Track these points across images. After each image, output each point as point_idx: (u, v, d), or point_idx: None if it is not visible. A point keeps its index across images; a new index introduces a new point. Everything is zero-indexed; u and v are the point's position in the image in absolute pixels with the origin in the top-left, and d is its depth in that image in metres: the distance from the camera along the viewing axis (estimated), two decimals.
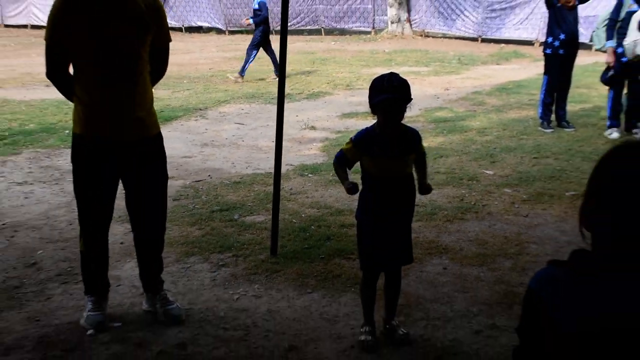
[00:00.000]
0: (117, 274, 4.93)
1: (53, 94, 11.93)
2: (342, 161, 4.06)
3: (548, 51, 9.39)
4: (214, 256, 5.35)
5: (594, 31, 9.59)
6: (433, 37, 21.90)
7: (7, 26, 26.39)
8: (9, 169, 7.82)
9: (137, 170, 4.29)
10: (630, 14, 8.27)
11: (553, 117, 9.49)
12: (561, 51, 9.19)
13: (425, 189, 4.06)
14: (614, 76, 8.87)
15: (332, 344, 4.06)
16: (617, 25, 8.71)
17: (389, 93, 3.80)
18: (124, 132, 4.14)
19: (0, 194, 6.96)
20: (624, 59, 8.51)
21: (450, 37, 21.50)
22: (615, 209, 1.74)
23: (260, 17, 14.32)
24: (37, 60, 17.31)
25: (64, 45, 4.08)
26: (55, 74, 4.20)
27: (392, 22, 22.45)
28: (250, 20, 14.70)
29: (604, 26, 9.11)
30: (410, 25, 22.47)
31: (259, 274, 5.02)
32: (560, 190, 6.66)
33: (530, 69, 15.19)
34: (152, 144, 4.32)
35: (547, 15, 9.65)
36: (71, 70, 4.19)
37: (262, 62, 15.42)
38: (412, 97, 3.89)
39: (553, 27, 9.30)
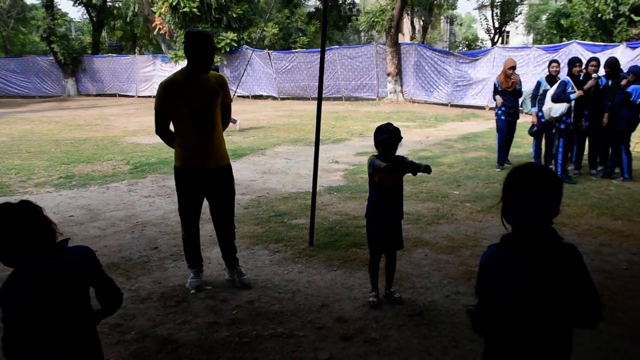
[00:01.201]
0: (208, 255, 4.96)
1: None
2: (372, 162, 3.86)
3: (496, 117, 9.25)
4: (271, 245, 5.33)
5: (523, 101, 9.54)
6: (418, 102, 21.58)
7: (139, 97, 26.77)
8: (139, 187, 7.87)
9: (215, 189, 4.31)
10: (546, 91, 8.28)
11: None
12: (503, 117, 8.96)
13: (425, 168, 3.74)
14: (536, 131, 8.83)
15: (350, 303, 4.07)
16: (537, 98, 8.67)
17: (388, 134, 3.85)
18: (207, 163, 4.20)
19: (135, 202, 7.03)
20: (542, 120, 8.51)
21: (430, 103, 21.20)
22: (504, 205, 1.89)
23: None
24: None
25: (167, 114, 4.17)
26: (162, 131, 4.26)
27: (390, 92, 22.26)
28: None
29: (529, 97, 9.12)
30: (403, 94, 22.20)
31: (301, 258, 5.00)
32: None
33: (483, 125, 14.99)
34: (225, 171, 4.36)
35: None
36: (171, 127, 4.26)
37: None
38: (402, 136, 3.96)
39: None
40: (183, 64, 24.16)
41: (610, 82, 8.33)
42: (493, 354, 1.95)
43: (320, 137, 5.56)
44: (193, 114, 4.09)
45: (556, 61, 8.97)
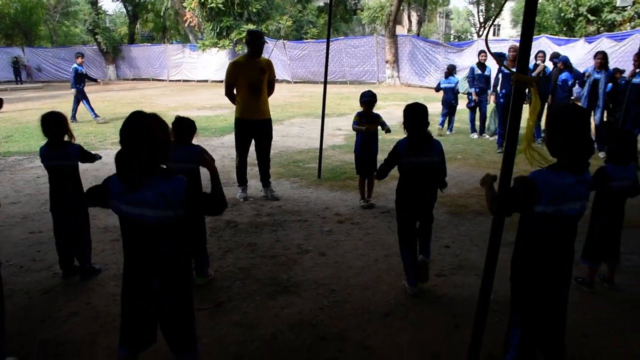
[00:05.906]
0: (250, 184, 6.37)
1: (203, 113, 13.67)
2: (355, 121, 5.55)
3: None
4: (291, 179, 6.90)
5: (460, 83, 10.94)
6: (412, 86, 22.70)
7: (170, 81, 28.26)
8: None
9: (260, 133, 5.82)
10: (479, 75, 9.71)
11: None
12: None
13: (387, 130, 5.48)
14: (473, 106, 10.20)
15: (344, 208, 5.65)
16: (474, 80, 10.03)
17: (367, 97, 5.44)
18: (256, 115, 5.70)
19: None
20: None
21: (422, 87, 22.05)
22: (405, 121, 3.45)
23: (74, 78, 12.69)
24: (190, 98, 18.76)
25: (233, 82, 5.69)
26: (229, 93, 5.77)
27: (388, 77, 23.38)
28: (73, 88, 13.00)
29: (465, 80, 10.59)
30: (399, 79, 23.36)
31: (312, 185, 6.57)
32: (454, 155, 8.24)
33: (462, 104, 16.31)
34: (267, 122, 5.85)
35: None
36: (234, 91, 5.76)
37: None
38: (377, 99, 5.52)
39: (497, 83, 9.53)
40: (209, 51, 25.77)
41: (553, 69, 9.77)
42: (398, 193, 3.61)
43: (328, 112, 7.10)
44: (249, 83, 5.64)
45: (483, 51, 10.44)
